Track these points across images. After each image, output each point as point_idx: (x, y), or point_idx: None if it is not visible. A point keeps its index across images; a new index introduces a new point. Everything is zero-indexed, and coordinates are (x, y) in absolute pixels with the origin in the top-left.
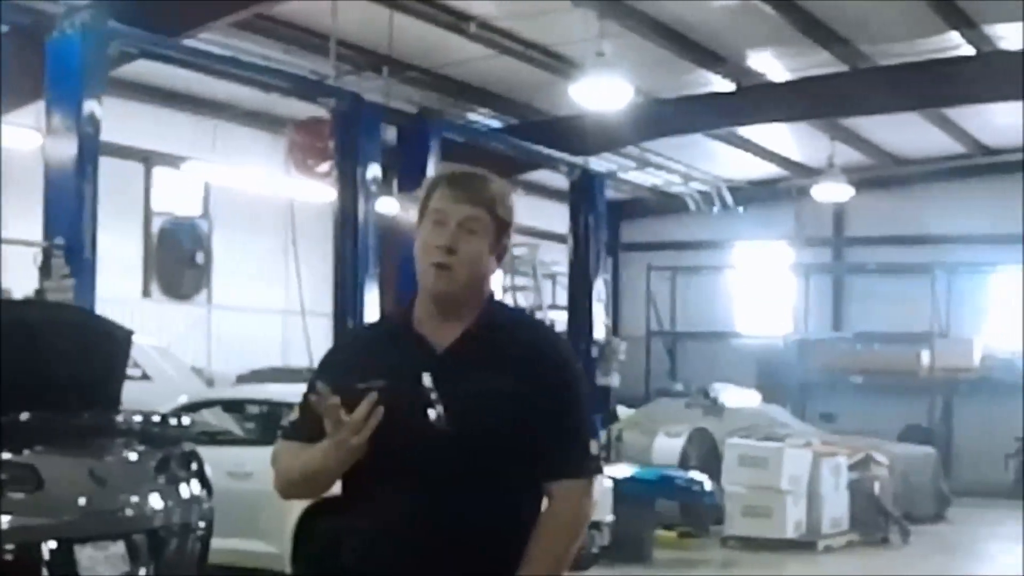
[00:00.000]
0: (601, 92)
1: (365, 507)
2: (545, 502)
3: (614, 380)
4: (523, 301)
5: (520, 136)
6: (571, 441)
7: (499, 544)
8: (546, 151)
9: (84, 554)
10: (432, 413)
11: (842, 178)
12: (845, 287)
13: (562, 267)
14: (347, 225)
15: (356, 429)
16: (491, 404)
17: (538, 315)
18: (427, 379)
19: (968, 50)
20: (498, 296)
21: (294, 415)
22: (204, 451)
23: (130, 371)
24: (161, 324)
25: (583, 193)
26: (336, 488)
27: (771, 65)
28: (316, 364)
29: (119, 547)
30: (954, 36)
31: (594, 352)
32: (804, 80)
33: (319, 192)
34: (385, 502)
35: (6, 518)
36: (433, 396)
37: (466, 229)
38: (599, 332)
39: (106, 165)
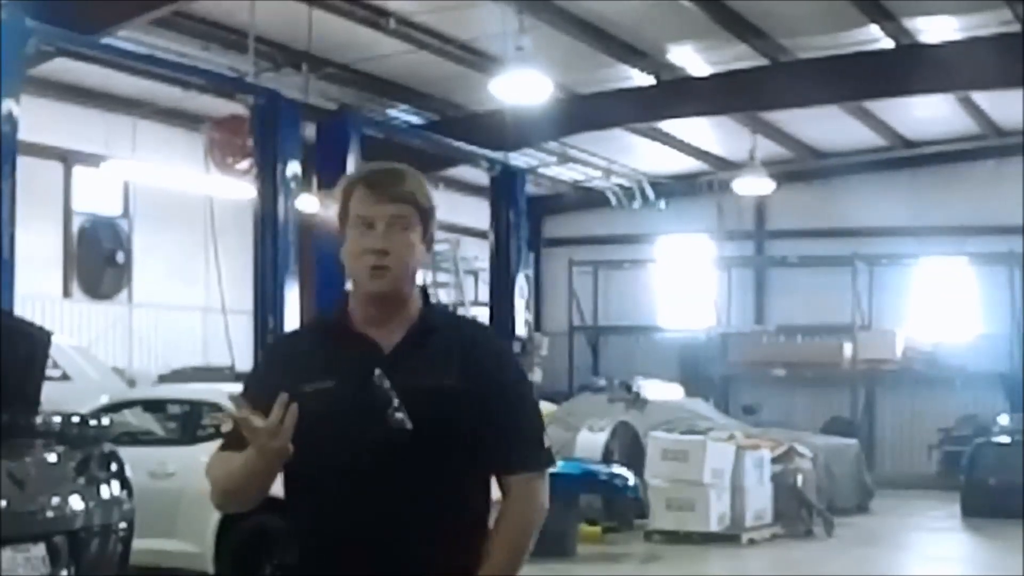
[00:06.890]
0: (521, 87)
1: (311, 507)
2: (497, 494)
3: (536, 376)
4: (445, 297)
5: (440, 132)
6: (525, 435)
7: (456, 539)
8: (466, 147)
9: (4, 556)
10: (392, 412)
11: (763, 172)
12: (767, 280)
13: (483, 263)
14: (267, 222)
15: (274, 433)
16: (442, 402)
17: (460, 311)
18: (381, 379)
19: (888, 43)
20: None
21: (227, 425)
22: (125, 451)
23: (50, 372)
24: (82, 324)
25: (504, 189)
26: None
27: (691, 59)
28: (250, 368)
29: (39, 549)
30: (874, 29)
31: (516, 348)
32: (724, 74)
33: (239, 189)
34: (336, 502)
35: None
36: (392, 395)
37: (394, 227)
38: (521, 328)
39: (25, 164)
